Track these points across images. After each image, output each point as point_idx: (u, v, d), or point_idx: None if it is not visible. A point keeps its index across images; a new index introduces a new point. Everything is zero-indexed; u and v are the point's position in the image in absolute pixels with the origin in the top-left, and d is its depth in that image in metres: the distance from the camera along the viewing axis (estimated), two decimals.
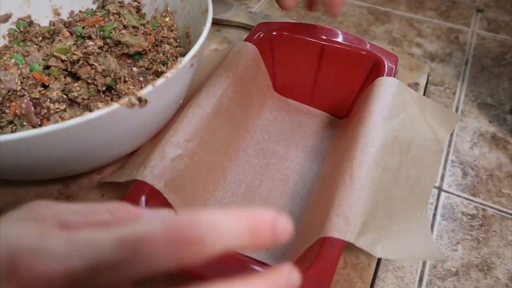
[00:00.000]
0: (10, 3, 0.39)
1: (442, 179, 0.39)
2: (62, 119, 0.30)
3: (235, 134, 0.36)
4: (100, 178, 0.35)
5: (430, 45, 0.54)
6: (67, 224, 0.15)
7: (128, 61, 0.35)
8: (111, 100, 0.33)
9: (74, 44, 0.31)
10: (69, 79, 0.32)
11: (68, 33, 0.33)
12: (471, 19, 0.58)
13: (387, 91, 0.32)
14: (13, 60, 0.30)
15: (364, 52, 0.36)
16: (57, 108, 0.30)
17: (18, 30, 0.37)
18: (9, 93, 0.29)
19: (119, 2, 0.36)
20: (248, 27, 0.49)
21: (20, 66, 0.30)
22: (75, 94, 0.31)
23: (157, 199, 0.27)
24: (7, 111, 0.29)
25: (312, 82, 0.39)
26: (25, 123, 0.29)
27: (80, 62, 0.31)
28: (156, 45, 0.35)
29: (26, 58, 0.31)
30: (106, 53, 0.33)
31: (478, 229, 0.35)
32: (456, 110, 0.45)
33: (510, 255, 0.33)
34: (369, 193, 0.26)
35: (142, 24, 0.35)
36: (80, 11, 0.37)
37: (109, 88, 0.33)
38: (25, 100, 0.29)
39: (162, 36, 0.36)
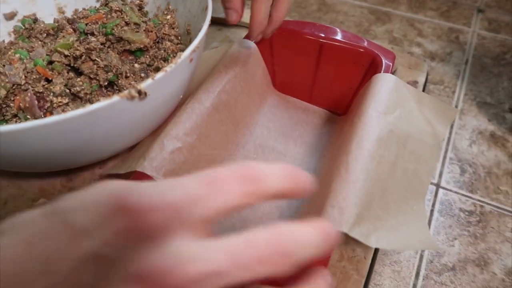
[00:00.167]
0: (16, 1, 0.40)
1: (440, 176, 0.39)
2: (65, 112, 0.30)
3: (234, 129, 0.36)
4: (102, 172, 0.35)
5: (430, 45, 0.54)
6: None
7: (130, 57, 0.35)
8: (113, 95, 0.34)
9: (77, 40, 0.32)
10: (72, 74, 0.33)
11: (71, 30, 0.34)
12: (471, 19, 0.59)
13: (384, 87, 0.32)
14: (17, 55, 0.31)
15: (361, 50, 0.36)
16: (60, 102, 0.31)
17: (23, 27, 0.38)
18: (14, 87, 0.30)
19: (121, 0, 0.37)
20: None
21: (25, 61, 0.31)
22: (78, 88, 0.32)
23: None
24: (11, 104, 0.30)
25: (311, 79, 0.40)
26: (28, 116, 0.30)
27: (83, 57, 0.32)
28: (158, 42, 0.36)
29: (31, 53, 0.32)
30: (108, 49, 0.33)
31: (475, 225, 0.35)
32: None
33: (507, 251, 0.33)
34: (364, 185, 0.26)
35: (144, 21, 0.36)
36: (84, 9, 0.38)
37: (111, 84, 0.34)
38: (29, 94, 0.30)
39: (163, 33, 0.36)
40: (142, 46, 0.34)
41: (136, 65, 0.35)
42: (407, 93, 0.34)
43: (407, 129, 0.31)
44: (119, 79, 0.33)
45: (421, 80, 0.44)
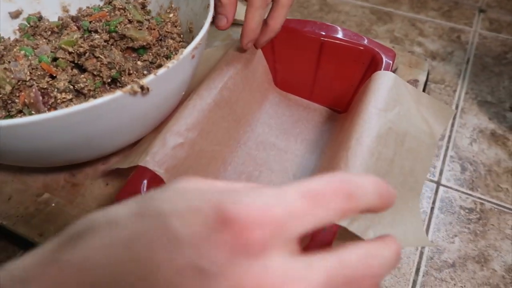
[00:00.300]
0: (21, 0, 0.40)
1: (441, 173, 0.39)
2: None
3: (236, 126, 0.36)
4: (105, 168, 0.36)
5: (432, 44, 0.54)
6: None
7: (133, 55, 0.36)
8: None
9: (81, 37, 0.33)
10: (76, 71, 0.33)
11: (75, 27, 0.35)
12: (473, 19, 0.59)
13: (384, 85, 0.33)
14: (22, 52, 0.32)
15: (362, 48, 0.36)
16: (64, 98, 0.31)
17: (28, 25, 0.38)
18: (19, 83, 0.30)
19: None
20: None
21: (30, 57, 0.32)
22: (82, 85, 0.32)
23: (158, 185, 0.28)
24: (16, 100, 0.31)
25: (312, 77, 0.40)
26: (33, 112, 0.30)
27: (87, 54, 0.32)
28: (160, 40, 0.37)
29: (35, 50, 0.33)
30: (112, 46, 0.34)
31: (475, 222, 0.35)
32: (456, 108, 0.46)
33: (507, 248, 0.33)
34: None
35: (147, 19, 0.36)
36: (88, 7, 0.39)
37: (114, 81, 0.34)
38: (33, 90, 0.30)
39: (166, 31, 0.37)
40: (145, 43, 0.35)
41: (139, 62, 0.36)
42: (406, 91, 0.34)
43: (405, 127, 0.32)
44: (122, 76, 0.34)
45: (422, 78, 0.44)
